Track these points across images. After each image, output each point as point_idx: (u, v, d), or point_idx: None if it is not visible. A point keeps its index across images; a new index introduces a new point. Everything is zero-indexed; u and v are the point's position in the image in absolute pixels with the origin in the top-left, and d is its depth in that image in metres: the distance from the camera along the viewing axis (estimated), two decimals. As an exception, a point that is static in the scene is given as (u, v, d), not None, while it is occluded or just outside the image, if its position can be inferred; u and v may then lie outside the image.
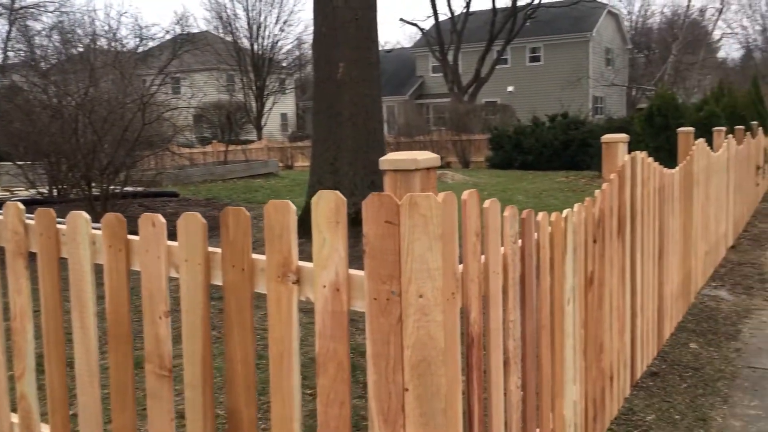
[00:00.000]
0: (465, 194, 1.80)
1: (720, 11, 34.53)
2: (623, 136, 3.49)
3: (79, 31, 34.40)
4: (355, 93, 6.25)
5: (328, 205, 1.72)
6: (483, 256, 1.91)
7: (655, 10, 62.96)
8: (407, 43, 46.23)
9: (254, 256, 1.87)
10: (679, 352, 4.17)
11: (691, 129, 5.38)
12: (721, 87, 13.05)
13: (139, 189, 10.28)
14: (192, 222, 1.94)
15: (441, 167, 20.37)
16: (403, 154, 1.70)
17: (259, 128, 38.23)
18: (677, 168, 4.54)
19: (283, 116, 46.88)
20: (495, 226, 1.94)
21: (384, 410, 1.68)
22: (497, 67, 32.77)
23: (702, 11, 38.94)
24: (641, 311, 3.67)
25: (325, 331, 1.75)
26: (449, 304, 1.68)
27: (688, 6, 34.61)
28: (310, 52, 49.67)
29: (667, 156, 7.59)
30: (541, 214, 2.29)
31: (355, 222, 5.75)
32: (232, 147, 20.20)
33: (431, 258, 1.63)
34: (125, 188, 9.39)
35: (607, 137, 3.49)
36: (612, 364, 3.17)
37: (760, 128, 10.85)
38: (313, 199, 1.75)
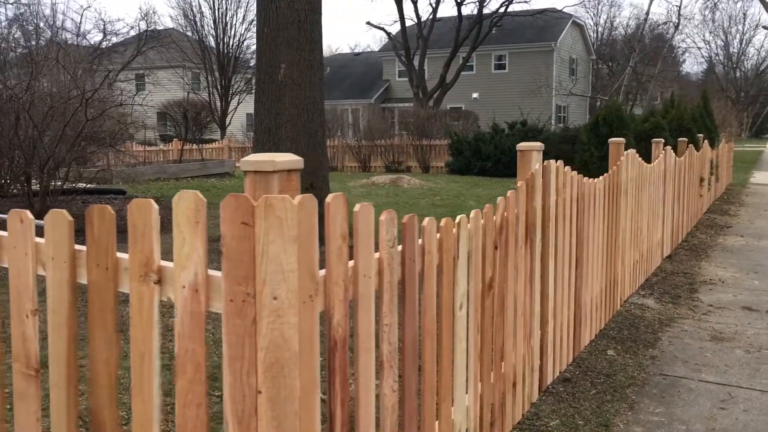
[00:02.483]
0: (329, 198, 1.81)
1: (676, 26, 35.20)
2: (537, 144, 3.55)
3: (41, 24, 33.76)
4: (296, 95, 6.24)
5: (188, 204, 1.71)
6: (353, 261, 1.92)
7: (621, 23, 64.10)
8: (377, 47, 46.35)
9: (119, 255, 1.85)
10: (596, 358, 4.25)
11: (621, 140, 5.49)
12: (672, 99, 13.34)
13: (89, 186, 10.12)
14: (59, 219, 1.91)
15: (400, 171, 20.48)
16: (264, 156, 1.70)
17: (223, 128, 37.91)
18: (601, 177, 4.62)
19: (249, 116, 46.60)
20: (366, 230, 1.95)
21: (238, 412, 1.68)
22: (463, 73, 33.07)
23: (659, 25, 39.77)
24: (553, 318, 3.72)
25: (184, 331, 1.74)
26: (306, 307, 1.68)
27: (645, 19, 35.24)
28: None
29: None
30: (427, 219, 2.32)
31: None
32: (193, 146, 19.98)
33: (286, 260, 1.63)
34: (75, 185, 9.23)
35: (522, 145, 3.55)
36: (516, 370, 3.21)
37: (706, 141, 11.12)
38: (174, 199, 1.74)
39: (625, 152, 5.39)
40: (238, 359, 1.67)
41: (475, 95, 36.71)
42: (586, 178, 4.26)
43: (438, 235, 2.41)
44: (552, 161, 3.63)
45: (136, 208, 1.78)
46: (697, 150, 10.22)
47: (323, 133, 6.55)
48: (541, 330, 3.56)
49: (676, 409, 3.52)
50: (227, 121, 38.40)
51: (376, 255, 2.04)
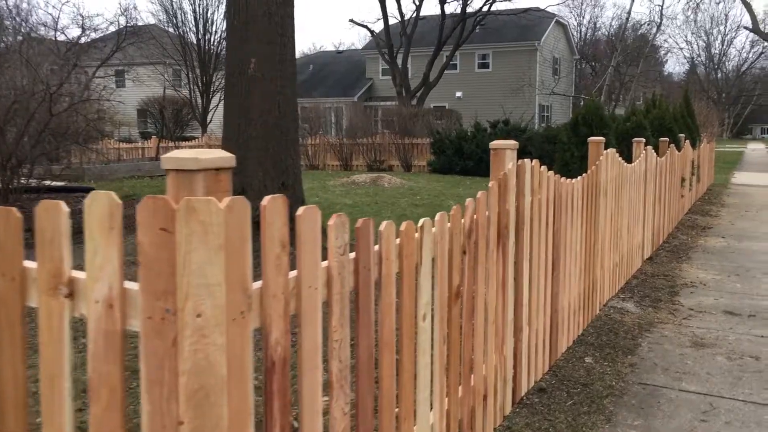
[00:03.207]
0: (265, 200, 1.61)
1: (659, 26, 35.30)
2: (511, 142, 3.36)
3: (17, 19, 33.19)
4: (267, 90, 6.01)
5: (102, 208, 1.50)
6: (296, 270, 1.72)
7: (604, 23, 64.33)
8: (361, 45, 46.10)
9: (27, 264, 1.64)
10: (573, 366, 4.07)
11: (601, 138, 5.32)
12: (654, 99, 13.25)
13: (55, 184, 9.83)
14: (-39, 223, 1.69)
15: (382, 170, 20.27)
16: (187, 152, 1.49)
17: (204, 125, 37.48)
18: (580, 177, 4.45)
19: (232, 114, 46.16)
20: (311, 236, 1.74)
21: (158, 445, 1.47)
22: (447, 72, 32.92)
23: (642, 25, 39.91)
24: (528, 325, 3.54)
25: (98, 352, 1.53)
26: (236, 325, 1.48)
27: (627, 19, 35.31)
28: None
29: (590, 165, 7.57)
30: (385, 223, 2.12)
31: (259, 226, 5.49)
32: (170, 143, 19.63)
33: (211, 272, 1.43)
34: (42, 183, 8.95)
35: (495, 144, 3.36)
36: (487, 381, 3.02)
37: (687, 141, 11.02)
38: (86, 201, 1.53)
39: (605, 152, 5.23)
40: (157, 385, 1.46)
41: (458, 94, 36.58)
42: (563, 179, 4.08)
43: (398, 240, 2.21)
44: (527, 160, 3.45)
45: (43, 210, 1.56)
46: (679, 150, 10.11)
47: (296, 130, 6.33)
48: (515, 338, 3.37)
49: (656, 422, 3.35)
50: (209, 118, 37.97)
51: (325, 263, 1.84)
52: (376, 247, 2.08)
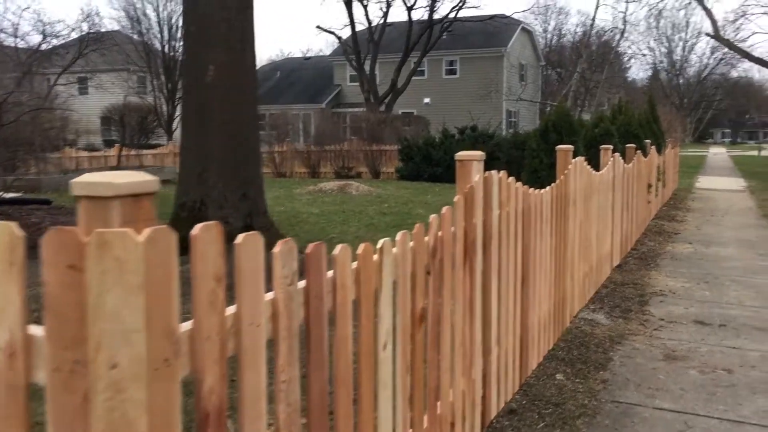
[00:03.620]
0: (196, 229, 1.41)
1: (622, 32, 35.75)
2: (478, 153, 3.21)
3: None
4: (227, 98, 5.78)
5: (1, 240, 1.29)
6: (235, 307, 1.52)
7: (569, 30, 65.10)
8: (329, 51, 45.87)
9: None
10: (544, 384, 3.92)
11: (569, 147, 5.21)
12: (620, 105, 13.29)
13: (10, 196, 9.45)
14: None
15: (350, 177, 20.08)
16: (102, 176, 1.29)
17: (169, 132, 36.88)
18: (548, 187, 4.31)
19: (198, 121, 45.54)
20: (253, 266, 1.55)
21: None
22: (415, 78, 32.90)
23: (606, 32, 40.41)
24: (497, 344, 3.38)
25: (-1, 409, 1.32)
26: (159, 376, 1.28)
27: (591, 25, 35.70)
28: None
29: (558, 173, 7.48)
30: (339, 247, 1.93)
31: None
32: (132, 152, 19.19)
33: (128, 315, 1.23)
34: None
35: (461, 155, 3.20)
36: (455, 408, 2.84)
37: (653, 147, 11.04)
38: (-17, 234, 1.32)
39: (573, 160, 5.11)
40: (67, 448, 1.25)
41: (426, 100, 36.58)
42: (532, 190, 3.94)
43: (355, 264, 2.02)
44: (494, 172, 3.29)
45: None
46: (645, 156, 10.11)
47: (257, 139, 6.11)
48: (483, 360, 3.21)
49: (631, 444, 3.21)
50: (174, 126, 37.39)
51: (270, 296, 1.65)
52: (330, 273, 1.89)
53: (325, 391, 1.85)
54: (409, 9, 31.22)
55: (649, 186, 10.43)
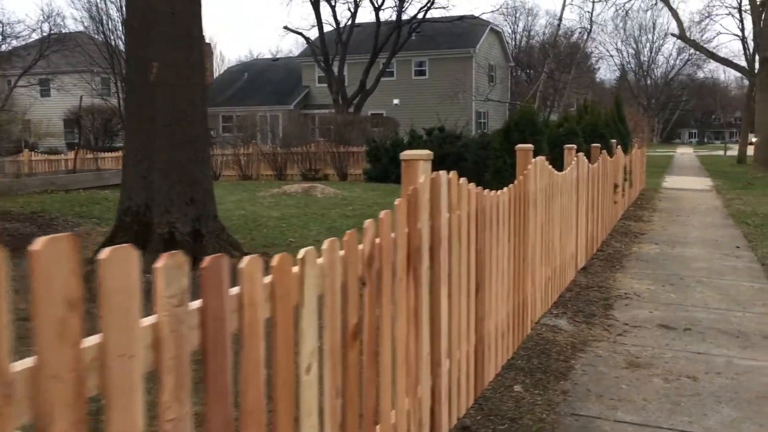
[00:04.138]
0: (38, 243, 1.15)
1: (589, 32, 35.96)
2: (425, 152, 2.98)
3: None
4: (172, 98, 5.49)
5: None
6: (101, 335, 1.27)
7: (537, 31, 65.49)
8: (297, 52, 45.42)
9: None
10: (501, 397, 3.71)
11: (529, 146, 5.02)
12: (586, 105, 13.22)
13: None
14: None
15: (317, 179, 19.78)
16: None
17: (135, 135, 36.14)
18: (505, 189, 4.11)
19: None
20: (124, 285, 1.29)
21: None
22: (384, 79, 32.69)
23: (574, 32, 40.64)
24: (449, 357, 3.15)
25: None
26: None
27: (558, 25, 35.83)
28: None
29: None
30: (246, 259, 1.68)
31: (167, 243, 4.91)
32: (91, 155, 18.66)
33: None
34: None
35: (406, 154, 2.98)
36: (398, 431, 2.61)
37: (619, 147, 10.96)
38: None
39: (534, 160, 4.92)
40: None
41: (396, 101, 36.39)
42: (487, 191, 3.72)
43: (270, 277, 1.78)
44: (442, 172, 3.06)
45: None
46: (611, 156, 10.00)
47: (206, 140, 5.82)
48: (432, 375, 2.98)
49: (590, 462, 3.00)
50: (139, 128, 36.64)
51: (152, 319, 1.39)
52: (236, 289, 1.64)
53: (228, 427, 1.60)
54: (377, 9, 31.02)
55: (616, 186, 10.34)
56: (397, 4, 31.26)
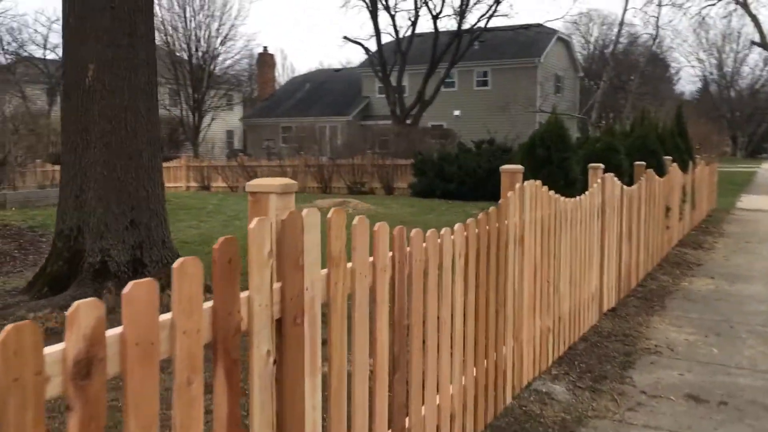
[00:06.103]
0: None
1: (654, 38, 33.87)
2: (283, 182, 2.07)
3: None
4: (110, 104, 4.76)
5: None
6: None
7: (612, 40, 62.97)
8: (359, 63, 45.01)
9: None
10: None
11: (517, 167, 4.01)
12: (642, 116, 11.92)
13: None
14: None
15: (362, 193, 18.98)
16: None
17: (195, 144, 36.41)
18: (458, 226, 3.14)
19: (229, 133, 45.02)
20: None
21: None
22: (445, 90, 31.76)
23: (636, 38, 38.38)
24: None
25: None
26: None
27: (618, 32, 33.89)
28: (253, 66, 48.16)
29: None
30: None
31: (98, 274, 4.08)
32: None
33: None
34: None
35: (254, 185, 2.07)
36: None
37: (675, 165, 9.65)
38: None
39: (523, 184, 3.91)
40: None
41: (456, 112, 35.34)
42: (431, 231, 2.78)
43: None
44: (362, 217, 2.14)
45: None
46: (662, 175, 8.74)
47: (154, 153, 5.05)
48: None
49: None
50: (200, 138, 36.89)
51: None
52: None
53: None
54: (435, 18, 30.11)
55: (668, 209, 9.05)
56: (458, 12, 30.29)
